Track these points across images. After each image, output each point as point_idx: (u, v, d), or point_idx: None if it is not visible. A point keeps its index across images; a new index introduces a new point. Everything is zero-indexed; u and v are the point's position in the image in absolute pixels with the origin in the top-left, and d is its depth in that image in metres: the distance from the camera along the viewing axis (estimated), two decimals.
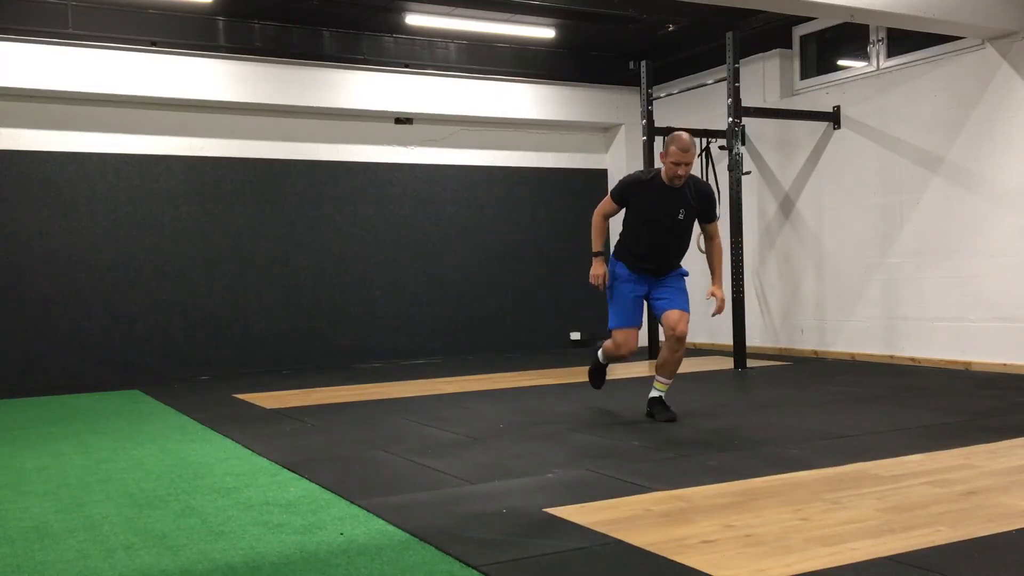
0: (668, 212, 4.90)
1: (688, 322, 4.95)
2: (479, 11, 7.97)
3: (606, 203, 5.11)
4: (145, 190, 7.99)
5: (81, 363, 7.69)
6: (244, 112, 8.36)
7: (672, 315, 4.92)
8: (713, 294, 4.97)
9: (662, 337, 5.06)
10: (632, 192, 4.97)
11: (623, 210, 5.06)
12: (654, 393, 5.04)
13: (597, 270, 5.11)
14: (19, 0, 7.20)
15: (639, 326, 5.12)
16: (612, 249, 5.19)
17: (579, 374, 7.42)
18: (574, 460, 3.97)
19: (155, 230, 8.01)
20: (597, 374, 5.56)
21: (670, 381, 5.02)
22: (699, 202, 4.95)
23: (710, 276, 5.07)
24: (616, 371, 7.73)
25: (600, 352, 5.40)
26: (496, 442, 4.47)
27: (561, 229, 9.79)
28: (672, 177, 4.82)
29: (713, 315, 5.00)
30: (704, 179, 7.62)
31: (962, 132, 6.99)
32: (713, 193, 5.11)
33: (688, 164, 4.80)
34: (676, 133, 4.84)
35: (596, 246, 5.17)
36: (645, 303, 5.12)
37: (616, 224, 5.24)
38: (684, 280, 5.13)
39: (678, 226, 4.96)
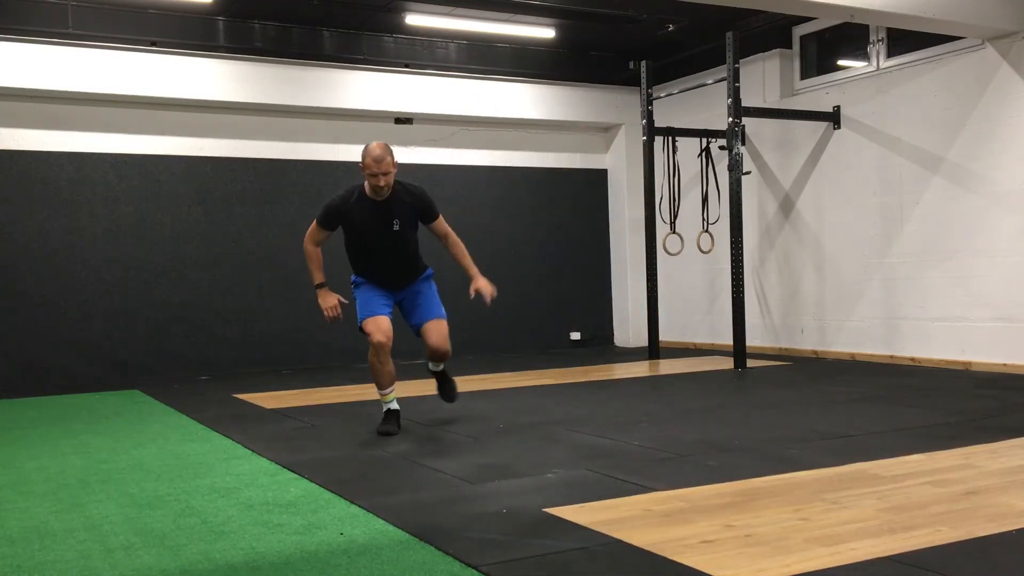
0: (381, 227, 4.69)
1: (447, 335, 4.84)
2: (479, 11, 7.97)
3: (313, 230, 4.80)
4: (145, 190, 7.98)
5: (81, 363, 7.68)
6: (244, 112, 8.35)
7: (431, 335, 4.79)
8: (478, 290, 4.72)
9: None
10: (338, 217, 4.73)
11: (344, 236, 4.82)
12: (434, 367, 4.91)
13: (327, 301, 4.79)
14: (19, 0, 7.20)
15: (389, 315, 4.78)
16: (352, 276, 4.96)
17: (579, 374, 7.43)
18: (574, 460, 3.97)
19: (155, 230, 8.01)
20: (387, 419, 4.81)
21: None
22: (413, 206, 4.75)
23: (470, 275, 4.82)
24: (616, 371, 7.73)
25: (377, 388, 4.83)
26: (496, 442, 4.47)
27: (561, 229, 9.80)
28: (374, 189, 4.62)
29: (490, 304, 4.73)
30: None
31: (962, 132, 6.99)
32: (424, 192, 4.83)
33: (387, 174, 4.55)
34: (368, 145, 4.59)
35: (316, 278, 4.85)
36: (395, 305, 4.90)
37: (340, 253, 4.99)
38: (431, 282, 4.95)
39: (396, 237, 4.72)
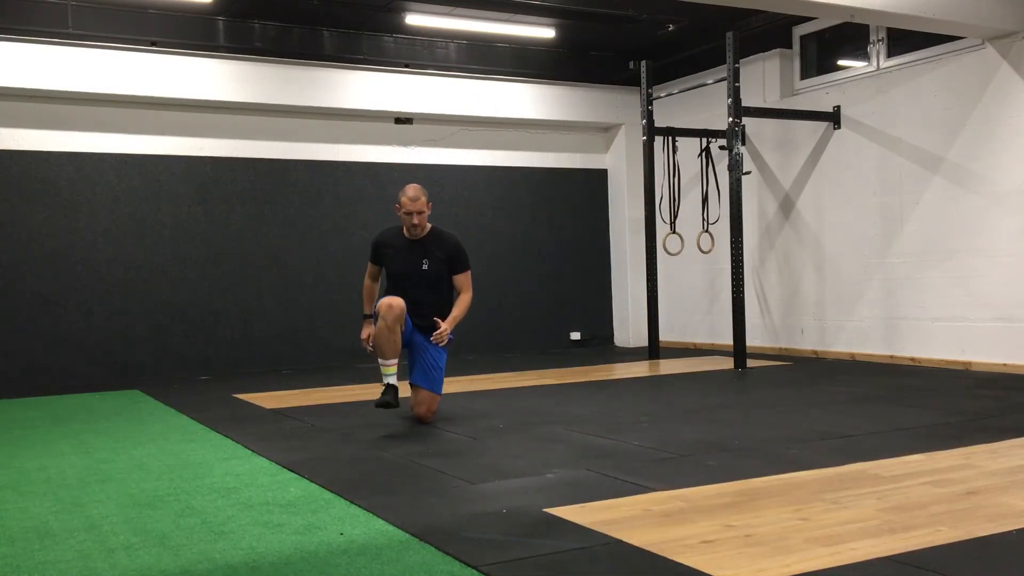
0: (411, 264, 5.05)
1: (435, 410, 5.12)
2: (479, 11, 7.97)
3: (367, 268, 5.28)
4: (145, 190, 7.98)
5: (81, 363, 7.68)
6: (244, 112, 8.35)
7: (421, 405, 5.04)
8: (435, 327, 4.95)
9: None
10: (380, 250, 5.19)
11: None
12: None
13: (364, 333, 5.14)
14: (19, 0, 7.20)
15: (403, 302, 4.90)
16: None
17: (579, 374, 7.43)
18: (574, 460, 3.97)
19: (155, 230, 8.01)
20: (386, 392, 4.82)
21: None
22: (444, 254, 5.07)
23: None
24: (616, 371, 7.73)
25: (379, 358, 4.84)
26: (496, 442, 4.47)
27: (561, 229, 9.80)
28: (409, 227, 5.02)
29: (432, 340, 4.95)
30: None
31: (962, 132, 6.99)
32: (458, 244, 5.14)
33: (420, 212, 4.96)
34: (405, 186, 5.05)
35: (365, 309, 5.28)
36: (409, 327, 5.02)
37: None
38: (443, 356, 5.11)
39: (425, 277, 5.05)
